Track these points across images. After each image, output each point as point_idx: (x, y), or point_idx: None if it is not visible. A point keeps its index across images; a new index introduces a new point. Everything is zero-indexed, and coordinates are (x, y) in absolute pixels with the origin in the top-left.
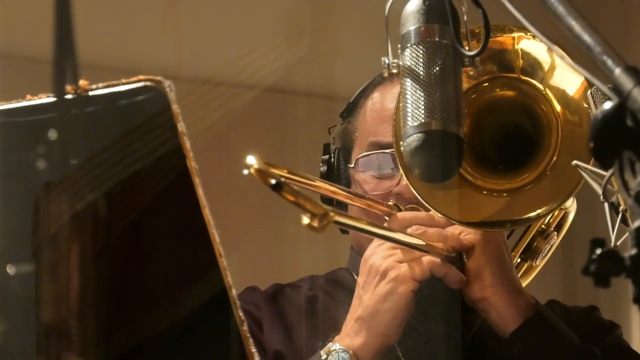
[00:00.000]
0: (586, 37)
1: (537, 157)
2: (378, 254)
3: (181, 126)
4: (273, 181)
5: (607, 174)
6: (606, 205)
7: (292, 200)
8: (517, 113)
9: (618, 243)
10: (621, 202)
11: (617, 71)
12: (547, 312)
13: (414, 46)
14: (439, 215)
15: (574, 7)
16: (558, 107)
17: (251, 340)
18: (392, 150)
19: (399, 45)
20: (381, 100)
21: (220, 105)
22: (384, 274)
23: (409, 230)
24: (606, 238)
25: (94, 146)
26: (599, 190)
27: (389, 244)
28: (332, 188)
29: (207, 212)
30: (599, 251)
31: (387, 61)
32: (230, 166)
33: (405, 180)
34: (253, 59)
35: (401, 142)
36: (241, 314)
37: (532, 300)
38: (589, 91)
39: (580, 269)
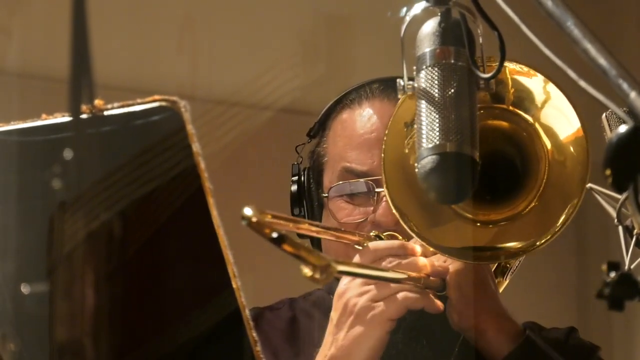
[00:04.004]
0: (602, 61)
1: (524, 190)
2: (352, 290)
3: (196, 146)
4: (275, 234)
5: (621, 197)
6: (620, 228)
7: (294, 252)
8: (505, 144)
9: (632, 266)
10: (635, 226)
11: (633, 94)
12: (536, 337)
13: (429, 68)
14: (419, 241)
15: (589, 31)
16: (548, 143)
17: None
18: (367, 178)
19: (415, 67)
20: (351, 125)
21: (236, 126)
22: (359, 315)
23: (383, 263)
24: (620, 261)
25: (109, 166)
26: (613, 214)
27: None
28: (315, 228)
29: (221, 233)
30: (613, 274)
31: (402, 83)
32: (245, 186)
33: (381, 209)
34: (268, 80)
35: (415, 164)
36: (255, 334)
37: (520, 327)
38: (604, 114)
39: (595, 293)
